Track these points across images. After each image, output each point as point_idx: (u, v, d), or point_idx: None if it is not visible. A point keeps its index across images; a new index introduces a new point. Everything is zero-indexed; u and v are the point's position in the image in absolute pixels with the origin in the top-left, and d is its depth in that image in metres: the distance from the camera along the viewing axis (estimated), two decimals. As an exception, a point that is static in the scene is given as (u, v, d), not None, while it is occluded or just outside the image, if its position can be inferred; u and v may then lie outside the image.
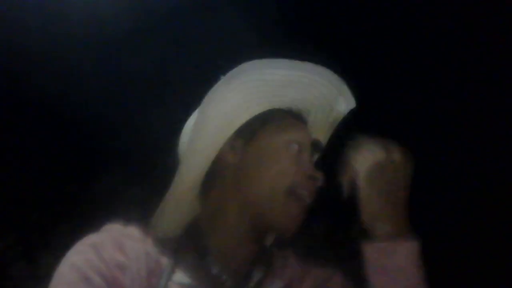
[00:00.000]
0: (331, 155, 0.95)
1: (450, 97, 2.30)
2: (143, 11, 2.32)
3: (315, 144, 0.89)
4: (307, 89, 0.88)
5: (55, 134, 2.61)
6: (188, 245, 0.83)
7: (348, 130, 0.96)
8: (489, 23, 2.15)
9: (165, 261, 0.80)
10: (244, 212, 0.82)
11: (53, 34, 2.29)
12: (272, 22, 2.32)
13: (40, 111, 2.54)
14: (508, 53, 2.15)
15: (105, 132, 2.50)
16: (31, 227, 2.56)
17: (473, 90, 2.27)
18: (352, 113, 0.94)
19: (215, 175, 0.86)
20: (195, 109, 0.93)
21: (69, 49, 2.36)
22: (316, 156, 0.92)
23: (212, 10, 2.36)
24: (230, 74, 0.83)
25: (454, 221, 2.22)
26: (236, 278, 0.82)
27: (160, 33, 2.42)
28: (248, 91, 0.83)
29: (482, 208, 2.25)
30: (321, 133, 0.95)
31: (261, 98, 0.85)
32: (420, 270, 0.77)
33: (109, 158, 2.56)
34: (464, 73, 2.28)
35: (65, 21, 2.29)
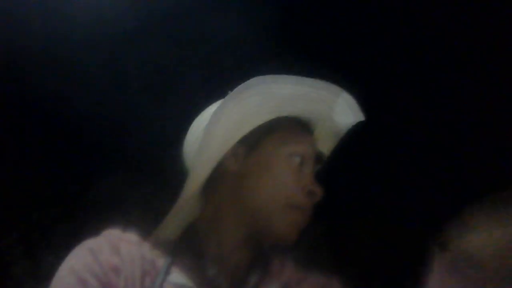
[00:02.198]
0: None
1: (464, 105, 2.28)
2: (145, 10, 2.32)
3: (318, 157, 0.89)
4: (315, 102, 0.88)
5: (56, 134, 2.62)
6: (186, 247, 0.85)
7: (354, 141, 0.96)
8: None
9: (161, 263, 0.81)
10: (241, 220, 0.83)
11: (55, 34, 2.30)
12: (273, 22, 2.32)
13: (42, 111, 2.55)
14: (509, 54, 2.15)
15: (106, 133, 2.51)
16: (32, 226, 2.56)
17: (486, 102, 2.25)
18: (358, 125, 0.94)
19: (216, 181, 0.87)
20: (197, 110, 0.94)
21: (70, 48, 2.36)
22: (317, 168, 0.92)
23: (213, 10, 2.36)
24: (236, 89, 0.83)
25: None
26: (232, 281, 0.82)
27: (162, 33, 2.43)
28: (255, 103, 0.83)
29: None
30: (326, 144, 0.96)
31: (267, 108, 0.85)
32: None
33: (110, 159, 2.56)
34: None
35: (67, 21, 2.30)
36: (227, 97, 0.83)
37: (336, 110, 0.89)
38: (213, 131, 0.83)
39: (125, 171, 2.52)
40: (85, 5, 2.30)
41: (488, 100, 2.25)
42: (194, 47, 2.47)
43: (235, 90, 0.83)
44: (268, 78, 0.83)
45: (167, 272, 0.80)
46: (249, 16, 2.27)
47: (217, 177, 0.86)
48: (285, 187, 0.82)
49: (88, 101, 2.44)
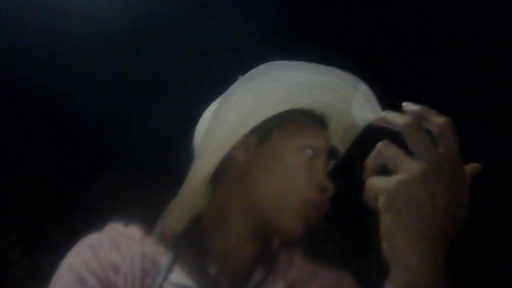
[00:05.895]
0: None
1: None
2: (145, 10, 2.32)
3: (332, 151, 0.85)
4: (330, 93, 0.83)
5: (56, 133, 2.62)
6: (188, 244, 0.83)
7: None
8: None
9: (162, 260, 0.79)
10: (249, 212, 0.81)
11: (54, 33, 2.30)
12: (273, 21, 2.32)
13: (41, 111, 2.55)
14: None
15: (105, 132, 2.51)
16: (32, 226, 2.56)
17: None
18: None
19: (224, 172, 0.83)
20: (196, 109, 0.92)
21: (70, 48, 2.36)
22: (331, 163, 0.89)
23: (212, 9, 2.36)
24: (248, 74, 0.79)
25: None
26: (235, 279, 0.80)
27: (161, 32, 2.43)
28: (266, 91, 0.80)
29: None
30: (341, 140, 0.92)
31: (279, 98, 0.82)
32: None
33: (109, 158, 2.56)
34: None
35: (66, 20, 2.29)
36: (237, 83, 0.79)
37: (352, 103, 0.84)
38: (222, 117, 0.79)
39: (125, 170, 2.52)
40: (84, 4, 2.30)
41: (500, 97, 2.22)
42: (194, 47, 2.46)
43: (246, 75, 0.79)
44: (280, 64, 0.79)
45: (168, 270, 0.78)
46: (249, 15, 2.26)
47: (226, 168, 0.82)
48: (296, 181, 0.79)
49: (88, 101, 2.43)
